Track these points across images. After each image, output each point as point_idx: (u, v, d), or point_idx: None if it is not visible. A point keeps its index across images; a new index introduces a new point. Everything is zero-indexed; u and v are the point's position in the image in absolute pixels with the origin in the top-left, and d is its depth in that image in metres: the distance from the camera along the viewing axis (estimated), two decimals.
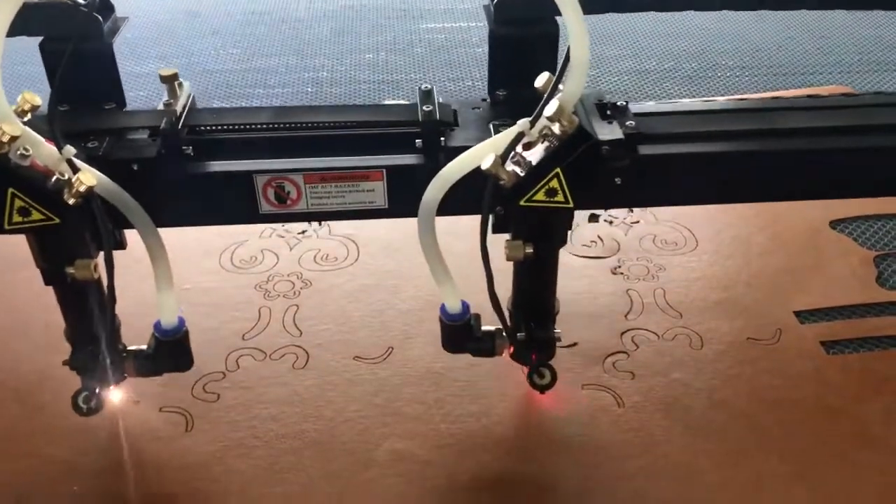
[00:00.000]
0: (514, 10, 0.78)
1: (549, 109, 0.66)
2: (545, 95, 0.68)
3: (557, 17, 0.78)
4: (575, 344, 0.96)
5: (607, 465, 0.82)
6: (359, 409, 0.89)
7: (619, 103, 0.77)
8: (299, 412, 0.87)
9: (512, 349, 0.81)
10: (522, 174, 0.69)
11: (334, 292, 1.05)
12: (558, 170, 0.69)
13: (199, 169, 0.74)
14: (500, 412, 0.88)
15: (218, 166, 0.75)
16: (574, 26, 0.65)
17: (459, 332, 0.79)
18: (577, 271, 1.08)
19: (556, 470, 0.82)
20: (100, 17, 0.75)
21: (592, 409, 0.88)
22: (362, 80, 1.64)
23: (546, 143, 0.69)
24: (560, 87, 0.67)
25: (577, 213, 0.76)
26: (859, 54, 1.67)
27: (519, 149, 0.70)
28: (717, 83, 1.58)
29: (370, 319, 1.01)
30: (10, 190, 0.67)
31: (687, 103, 0.83)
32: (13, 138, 0.64)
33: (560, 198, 0.71)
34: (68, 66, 0.73)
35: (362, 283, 1.06)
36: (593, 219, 1.17)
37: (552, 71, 0.75)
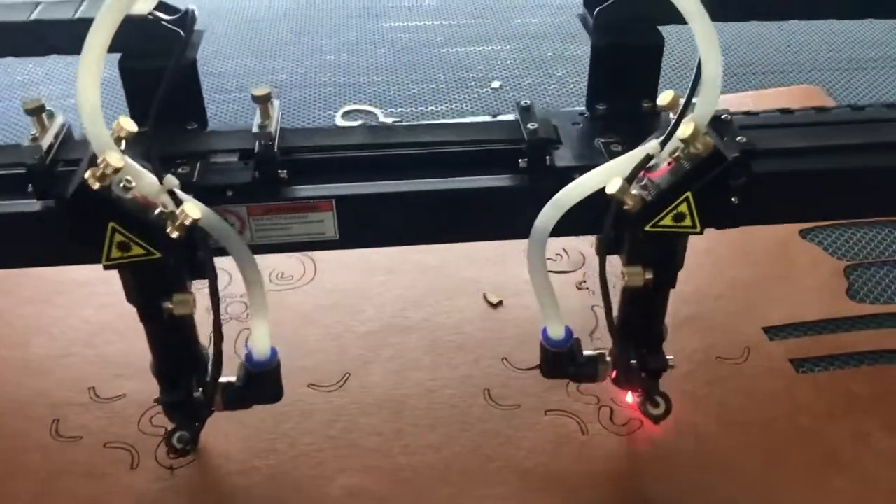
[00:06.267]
0: (616, 19, 0.75)
1: (684, 132, 0.63)
2: (677, 116, 0.64)
3: (661, 27, 0.75)
4: (538, 366, 0.92)
5: (571, 496, 0.79)
6: (313, 441, 0.85)
7: (723, 116, 0.73)
8: (250, 447, 0.83)
9: (615, 374, 0.77)
10: (649, 198, 0.66)
11: (289, 314, 1.01)
12: (689, 193, 0.66)
13: (295, 193, 0.71)
14: (462, 443, 0.85)
15: (313, 190, 0.71)
16: (704, 39, 0.60)
17: (562, 358, 0.76)
18: None
19: (519, 503, 0.79)
20: (181, 32, 0.71)
21: (556, 437, 0.85)
22: (323, 83, 1.59)
23: (674, 166, 0.66)
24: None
25: None
26: (830, 52, 1.65)
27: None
28: (686, 82, 1.55)
29: (326, 343, 0.97)
30: (112, 224, 0.63)
31: (785, 116, 0.80)
32: (116, 170, 0.60)
33: (688, 222, 0.67)
34: (149, 84, 0.66)
35: (319, 304, 1.02)
36: None
37: (655, 83, 0.72)
